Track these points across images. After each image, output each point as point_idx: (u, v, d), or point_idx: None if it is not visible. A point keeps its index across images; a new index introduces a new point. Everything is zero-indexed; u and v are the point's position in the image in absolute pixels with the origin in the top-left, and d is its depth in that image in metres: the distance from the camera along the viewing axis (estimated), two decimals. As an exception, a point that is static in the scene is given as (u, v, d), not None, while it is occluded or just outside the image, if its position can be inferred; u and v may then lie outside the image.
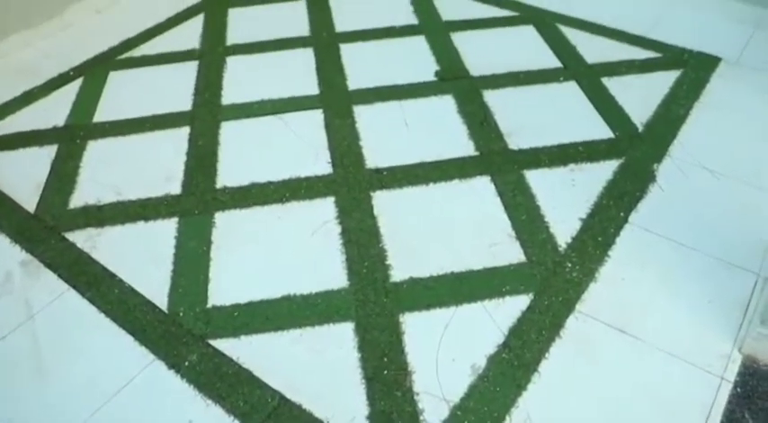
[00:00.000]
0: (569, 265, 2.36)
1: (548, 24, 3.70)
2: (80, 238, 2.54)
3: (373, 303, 2.25)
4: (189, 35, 3.75)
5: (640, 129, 2.95)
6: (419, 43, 3.59)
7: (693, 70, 3.31)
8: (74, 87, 3.36)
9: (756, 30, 3.63)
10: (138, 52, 3.62)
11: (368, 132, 2.98)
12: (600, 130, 2.96)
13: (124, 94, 3.30)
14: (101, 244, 2.52)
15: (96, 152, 2.96)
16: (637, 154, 2.82)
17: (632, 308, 2.23)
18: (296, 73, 3.39)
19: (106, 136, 3.04)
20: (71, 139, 3.02)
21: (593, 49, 3.47)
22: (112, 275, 2.39)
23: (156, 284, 2.35)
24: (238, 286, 2.34)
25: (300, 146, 2.92)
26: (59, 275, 2.40)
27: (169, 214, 2.62)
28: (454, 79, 3.29)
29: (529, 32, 3.66)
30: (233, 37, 3.71)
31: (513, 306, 2.23)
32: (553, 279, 2.31)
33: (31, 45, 3.69)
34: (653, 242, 2.45)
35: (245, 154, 2.91)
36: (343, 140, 2.93)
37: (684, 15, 3.77)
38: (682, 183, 2.69)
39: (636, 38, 3.57)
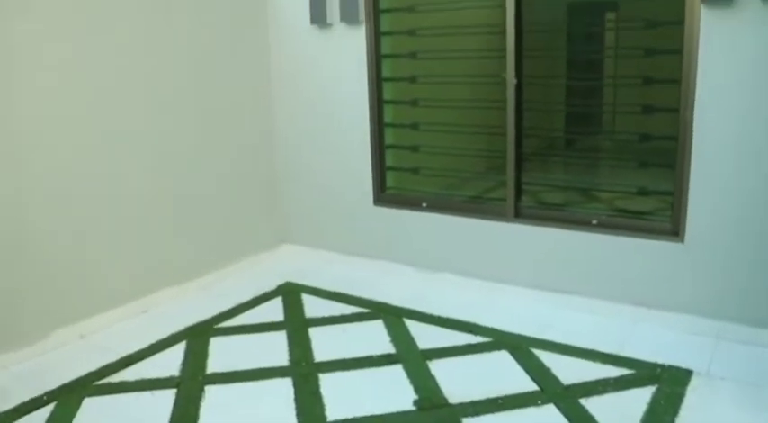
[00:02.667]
0: None
1: (521, 349, 3.81)
2: None
3: None
4: (170, 362, 3.79)
5: (625, 450, 2.89)
6: (397, 372, 3.63)
7: (667, 385, 3.35)
8: (44, 413, 3.28)
9: (718, 341, 3.80)
10: (116, 378, 3.62)
11: (346, 463, 2.88)
12: (584, 452, 2.89)
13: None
14: None
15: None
16: (625, 477, 2.72)
17: None
18: (274, 402, 3.36)
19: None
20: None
21: (568, 370, 3.53)
22: None
23: None
24: None
25: (276, 478, 2.80)
26: None
27: None
28: (433, 408, 3.27)
29: (504, 357, 3.74)
30: (213, 365, 3.75)
31: None
32: None
33: (7, 367, 3.70)
34: None
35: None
36: (321, 471, 2.82)
37: (649, 331, 3.96)
38: None
39: (608, 356, 3.67)
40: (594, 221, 4.30)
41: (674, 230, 4.02)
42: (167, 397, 3.43)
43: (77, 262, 4.10)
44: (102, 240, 4.23)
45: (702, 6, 3.69)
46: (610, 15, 4.52)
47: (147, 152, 4.48)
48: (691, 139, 3.85)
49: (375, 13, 4.92)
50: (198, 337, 4.11)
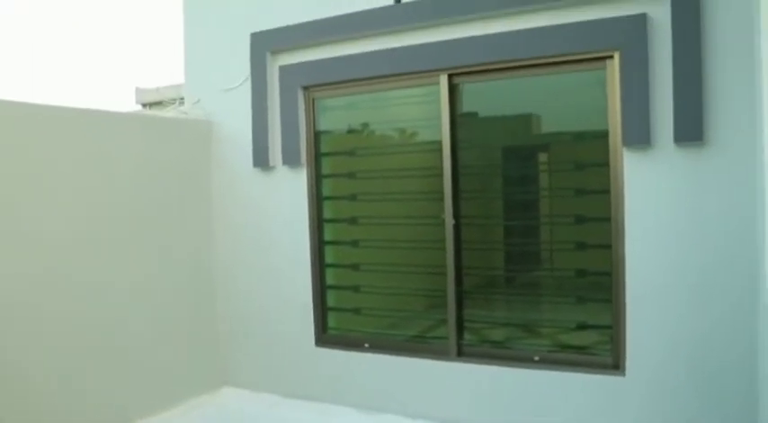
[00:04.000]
0: None
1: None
2: None
3: None
4: None
5: None
6: None
7: None
8: None
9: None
10: None
11: None
12: None
13: None
14: None
15: None
16: None
17: None
18: None
19: None
20: None
21: None
22: None
23: None
24: None
25: None
26: None
27: None
28: None
29: None
30: None
31: None
32: None
33: None
34: None
35: None
36: None
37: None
38: None
39: None
40: (536, 357, 4.31)
41: (615, 364, 4.05)
42: None
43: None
44: (29, 387, 4.01)
45: (624, 149, 3.93)
46: (542, 157, 4.74)
47: (83, 293, 4.38)
48: (624, 273, 3.97)
49: (316, 156, 5.10)
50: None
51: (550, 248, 4.69)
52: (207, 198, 5.42)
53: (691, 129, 3.71)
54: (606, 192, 4.09)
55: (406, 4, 4.55)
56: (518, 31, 4.21)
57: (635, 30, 3.86)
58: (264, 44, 5.13)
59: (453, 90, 4.55)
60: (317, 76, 4.98)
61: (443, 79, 4.52)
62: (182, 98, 5.90)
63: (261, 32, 5.15)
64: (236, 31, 5.28)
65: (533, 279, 4.80)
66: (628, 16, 3.89)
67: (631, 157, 3.94)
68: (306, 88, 5.07)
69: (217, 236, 5.46)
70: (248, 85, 5.22)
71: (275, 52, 5.15)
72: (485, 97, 4.78)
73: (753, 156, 3.55)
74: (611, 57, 4.00)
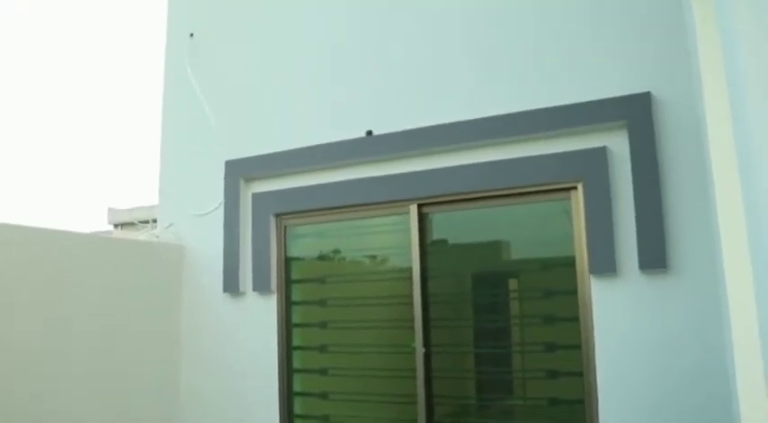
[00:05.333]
0: None
1: None
2: None
3: None
4: None
5: None
6: None
7: None
8: None
9: None
10: None
11: None
12: None
13: None
14: None
15: None
16: None
17: None
18: None
19: None
20: None
21: None
22: None
23: None
24: None
25: None
26: None
27: None
28: None
29: None
30: None
31: None
32: None
33: None
34: None
35: None
36: None
37: None
38: None
39: None
40: (512, 494, 4.17)
41: None
42: None
43: None
44: None
45: (591, 277, 4.00)
46: (512, 284, 4.76)
47: (44, 418, 4.22)
48: (597, 400, 3.93)
49: (287, 282, 5.09)
50: None
51: (522, 376, 4.64)
52: (176, 322, 5.35)
53: (655, 257, 3.80)
54: (575, 319, 4.12)
55: (378, 136, 4.71)
56: (485, 163, 4.37)
57: (596, 162, 4.02)
58: (238, 172, 5.24)
59: (423, 219, 4.64)
60: (290, 204, 5.06)
61: (413, 209, 4.63)
62: (154, 220, 5.94)
63: (235, 160, 5.27)
64: (211, 158, 5.41)
65: (505, 408, 4.72)
66: (589, 149, 4.06)
67: (598, 285, 3.99)
68: (278, 215, 5.14)
69: (184, 360, 5.35)
70: (221, 210, 5.28)
71: (249, 180, 5.26)
72: (454, 225, 4.86)
73: (714, 281, 3.64)
74: (575, 187, 4.14)
